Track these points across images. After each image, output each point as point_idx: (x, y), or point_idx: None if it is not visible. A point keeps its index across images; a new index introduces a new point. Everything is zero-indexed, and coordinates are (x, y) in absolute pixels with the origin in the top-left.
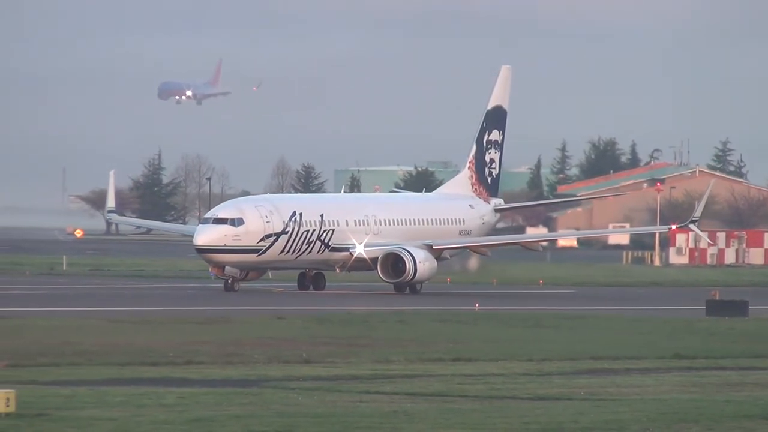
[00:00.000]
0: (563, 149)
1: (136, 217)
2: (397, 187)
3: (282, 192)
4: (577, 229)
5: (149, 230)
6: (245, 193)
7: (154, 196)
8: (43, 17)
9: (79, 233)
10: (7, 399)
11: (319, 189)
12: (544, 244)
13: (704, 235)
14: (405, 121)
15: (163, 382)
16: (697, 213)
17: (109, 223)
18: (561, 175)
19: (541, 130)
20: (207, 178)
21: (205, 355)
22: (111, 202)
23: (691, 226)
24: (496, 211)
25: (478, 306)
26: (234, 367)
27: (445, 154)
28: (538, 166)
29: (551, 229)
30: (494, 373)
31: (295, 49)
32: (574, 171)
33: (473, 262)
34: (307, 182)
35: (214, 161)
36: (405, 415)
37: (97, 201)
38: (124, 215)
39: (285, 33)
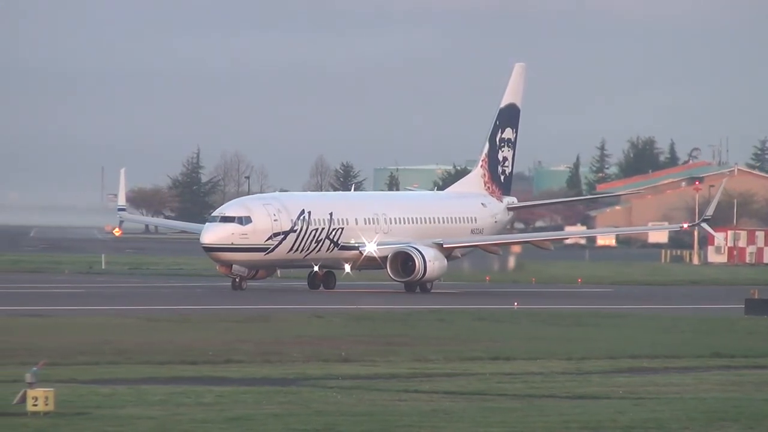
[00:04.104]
0: (602, 148)
1: (175, 216)
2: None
3: (321, 191)
4: (616, 227)
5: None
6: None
7: (192, 194)
8: (79, 17)
9: (117, 232)
10: (46, 398)
11: (357, 188)
12: (561, 242)
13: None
14: (444, 120)
15: (202, 381)
16: (709, 212)
17: (121, 222)
18: (600, 174)
19: (580, 129)
20: (246, 177)
21: (244, 353)
22: (122, 200)
23: (703, 225)
24: (509, 209)
25: (517, 304)
26: (273, 366)
27: None
28: (576, 165)
29: (590, 227)
30: (533, 372)
31: (334, 48)
32: (613, 170)
33: (512, 261)
34: (346, 181)
35: (253, 160)
36: (444, 414)
37: (135, 200)
38: (162, 214)
39: (323, 32)
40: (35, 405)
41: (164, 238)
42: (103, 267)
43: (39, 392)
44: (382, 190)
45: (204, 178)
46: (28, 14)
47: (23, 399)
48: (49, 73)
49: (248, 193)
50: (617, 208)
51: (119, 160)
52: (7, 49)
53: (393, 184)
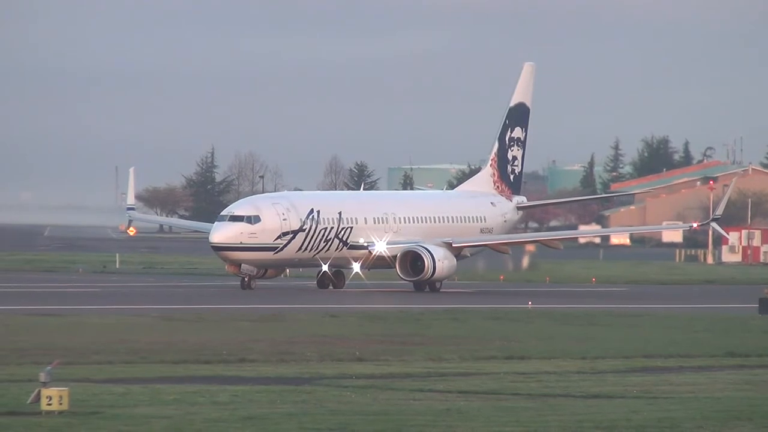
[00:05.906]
0: (616, 147)
1: (189, 216)
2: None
3: (335, 190)
4: (630, 226)
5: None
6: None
7: (207, 194)
8: (93, 17)
9: (132, 231)
10: (60, 397)
11: (372, 187)
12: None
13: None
14: (458, 119)
15: (216, 380)
16: (719, 211)
17: (130, 221)
18: (614, 173)
19: (595, 128)
20: (260, 176)
21: (259, 353)
22: (131, 199)
23: (713, 224)
24: (519, 209)
25: (531, 304)
26: (287, 365)
27: None
28: (591, 164)
29: (604, 226)
30: (547, 371)
31: (349, 48)
32: (627, 169)
33: (525, 260)
34: (360, 180)
35: (267, 159)
36: (458, 414)
37: (150, 199)
38: (176, 213)
39: (337, 32)
40: (49, 404)
41: (178, 238)
42: (117, 266)
43: (53, 391)
44: (396, 190)
45: (218, 178)
46: (44, 14)
47: (37, 398)
48: (62, 73)
49: (263, 193)
50: (631, 207)
51: (133, 159)
52: (20, 49)
53: (407, 184)
